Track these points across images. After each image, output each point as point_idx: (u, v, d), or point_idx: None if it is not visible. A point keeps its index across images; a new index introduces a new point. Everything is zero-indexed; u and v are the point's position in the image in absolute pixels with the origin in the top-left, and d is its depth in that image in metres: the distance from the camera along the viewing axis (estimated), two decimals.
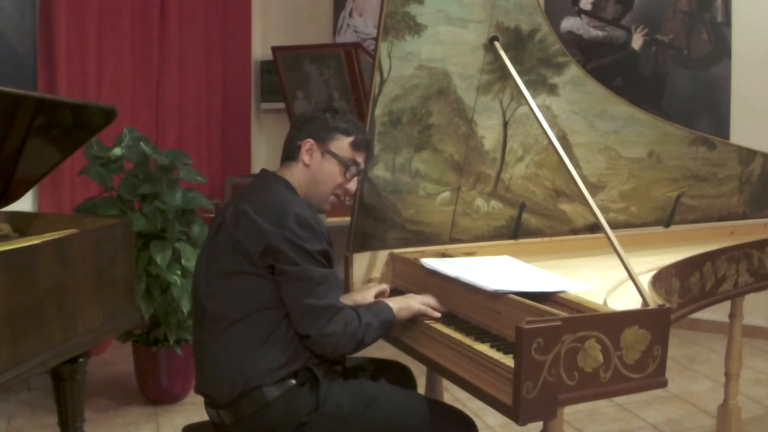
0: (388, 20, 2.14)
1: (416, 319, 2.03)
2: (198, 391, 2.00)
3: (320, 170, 2.02)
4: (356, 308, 1.93)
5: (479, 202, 2.52)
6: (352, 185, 2.07)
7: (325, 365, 1.94)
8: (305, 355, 1.89)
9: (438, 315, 2.03)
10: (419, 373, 2.28)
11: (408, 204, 2.40)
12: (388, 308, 1.98)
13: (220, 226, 1.94)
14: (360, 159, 2.06)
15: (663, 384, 1.78)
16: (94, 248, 2.41)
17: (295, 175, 2.02)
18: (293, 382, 1.87)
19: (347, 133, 2.03)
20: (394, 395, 1.95)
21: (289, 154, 2.04)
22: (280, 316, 1.87)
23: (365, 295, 2.18)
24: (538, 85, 2.44)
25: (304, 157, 2.01)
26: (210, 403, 1.95)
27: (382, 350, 2.27)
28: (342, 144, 2.02)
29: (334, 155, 2.01)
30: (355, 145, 2.04)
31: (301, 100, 4.78)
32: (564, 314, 1.76)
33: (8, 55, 3.68)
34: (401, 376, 2.20)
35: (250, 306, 1.86)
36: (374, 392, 1.93)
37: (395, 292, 2.25)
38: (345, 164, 2.02)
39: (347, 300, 2.11)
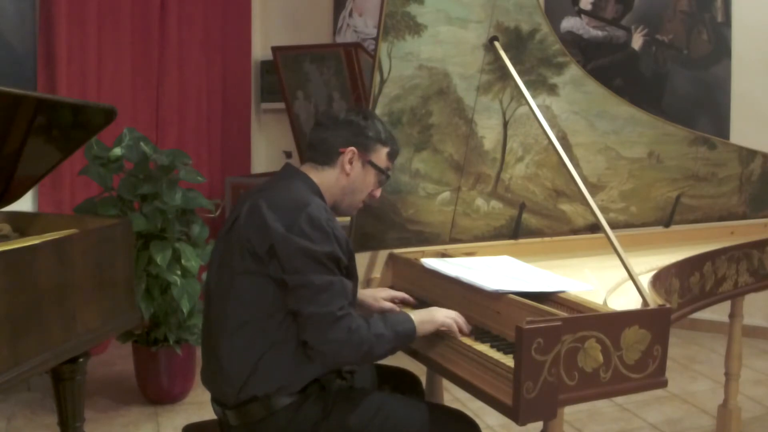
0: (388, 20, 2.14)
1: (439, 334, 1.92)
2: (205, 384, 1.98)
3: (359, 180, 2.00)
4: (368, 318, 1.84)
5: (479, 202, 2.52)
6: (378, 192, 2.07)
7: (333, 375, 1.91)
8: (315, 368, 1.85)
9: (462, 334, 1.89)
10: (419, 373, 2.28)
11: (408, 204, 2.40)
12: (408, 320, 1.87)
13: (234, 221, 1.90)
14: (391, 167, 2.07)
15: (663, 384, 1.78)
16: (94, 248, 2.41)
17: (327, 179, 1.97)
18: (302, 393, 1.85)
19: (385, 143, 2.02)
20: (397, 405, 1.92)
21: (322, 156, 1.98)
22: (287, 326, 1.82)
23: (375, 294, 2.14)
24: (538, 85, 2.44)
25: (346, 165, 1.96)
26: (216, 401, 1.94)
27: None
28: (381, 155, 2.02)
29: (374, 166, 2.00)
30: (390, 155, 2.05)
31: (301, 100, 4.78)
32: (564, 314, 1.76)
33: (8, 55, 3.68)
34: (408, 383, 2.19)
35: (255, 310, 1.82)
36: (378, 403, 1.90)
37: (422, 303, 2.13)
38: (383, 174, 2.03)
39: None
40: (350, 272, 1.89)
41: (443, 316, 1.91)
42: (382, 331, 1.82)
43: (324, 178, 1.98)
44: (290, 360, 1.83)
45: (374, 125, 2.00)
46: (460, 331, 1.90)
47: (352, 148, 1.97)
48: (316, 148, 2.00)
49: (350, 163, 1.97)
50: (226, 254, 1.90)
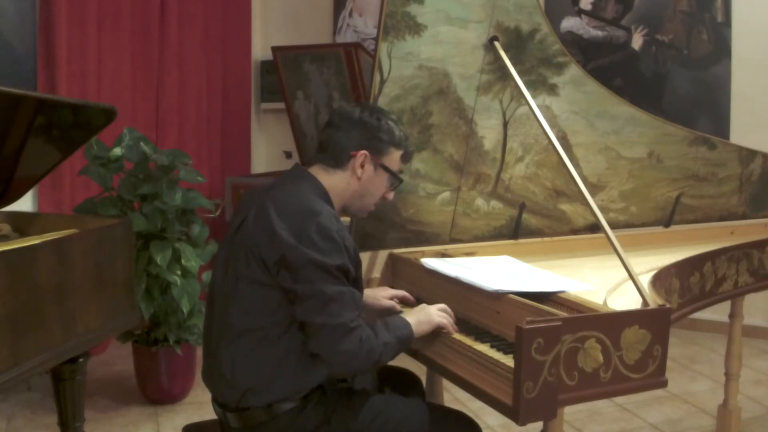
0: (388, 20, 2.14)
1: (437, 333, 1.93)
2: (206, 383, 1.97)
3: (371, 183, 1.95)
4: (372, 325, 1.83)
5: (479, 202, 2.52)
6: (391, 195, 2.04)
7: (333, 380, 1.91)
8: (317, 378, 1.84)
9: (455, 328, 1.92)
10: (419, 373, 2.28)
11: (408, 204, 2.40)
12: (407, 324, 1.88)
13: (242, 223, 1.87)
14: (403, 168, 2.04)
15: (663, 384, 1.78)
16: (94, 248, 2.41)
17: (337, 182, 1.92)
18: (303, 397, 1.84)
19: (399, 146, 1.97)
20: (398, 406, 1.92)
21: (332, 158, 1.93)
22: (290, 337, 1.80)
23: (376, 294, 2.14)
24: (538, 85, 2.44)
25: (357, 169, 1.92)
26: (217, 401, 1.94)
27: None
28: (394, 158, 1.97)
29: (386, 169, 1.96)
30: (404, 158, 2.01)
31: (301, 100, 4.78)
32: (564, 314, 1.76)
33: (8, 55, 3.68)
34: (407, 382, 2.18)
35: (258, 319, 1.80)
36: (379, 406, 1.90)
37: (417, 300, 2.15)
38: (395, 177, 1.99)
39: None
40: (357, 282, 1.87)
41: (437, 315, 1.92)
42: (387, 339, 1.82)
43: (334, 181, 1.93)
44: (292, 371, 1.82)
45: (388, 126, 1.95)
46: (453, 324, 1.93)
47: (364, 151, 1.92)
48: (327, 149, 1.94)
49: (362, 166, 1.92)
50: (232, 257, 1.87)
